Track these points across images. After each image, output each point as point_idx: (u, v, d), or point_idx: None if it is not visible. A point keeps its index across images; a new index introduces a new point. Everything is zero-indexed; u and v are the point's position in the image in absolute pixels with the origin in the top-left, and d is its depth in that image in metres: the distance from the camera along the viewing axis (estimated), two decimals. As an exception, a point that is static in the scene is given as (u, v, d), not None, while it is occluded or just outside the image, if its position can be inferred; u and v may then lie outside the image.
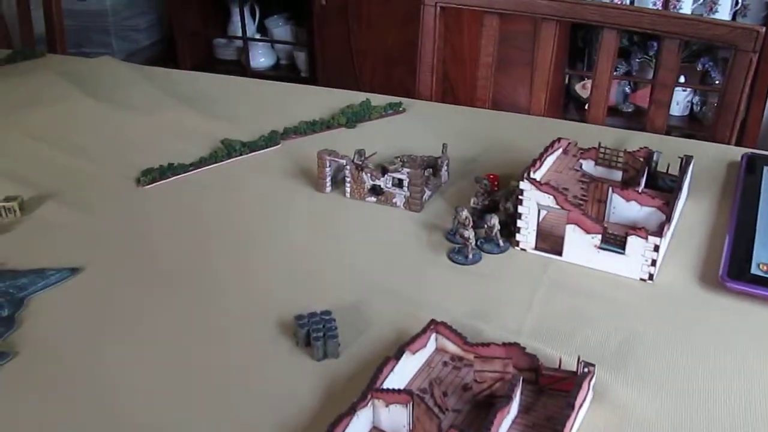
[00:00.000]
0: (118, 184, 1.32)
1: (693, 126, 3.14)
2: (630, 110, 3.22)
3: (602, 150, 1.18)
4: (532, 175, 1.05)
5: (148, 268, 1.08)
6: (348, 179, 1.23)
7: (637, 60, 3.17)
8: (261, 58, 3.69)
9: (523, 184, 1.04)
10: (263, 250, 1.12)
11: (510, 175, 1.23)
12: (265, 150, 1.43)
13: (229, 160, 1.39)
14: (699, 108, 3.16)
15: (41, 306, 1.00)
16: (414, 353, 0.83)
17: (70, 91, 1.69)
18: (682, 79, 3.00)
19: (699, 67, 3.08)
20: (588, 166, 1.19)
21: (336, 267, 1.07)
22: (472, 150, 1.39)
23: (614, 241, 1.01)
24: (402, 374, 0.82)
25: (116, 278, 1.06)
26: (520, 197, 1.05)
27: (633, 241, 0.99)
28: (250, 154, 1.41)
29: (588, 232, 1.02)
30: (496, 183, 1.22)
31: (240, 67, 3.63)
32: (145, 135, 1.51)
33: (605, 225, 1.02)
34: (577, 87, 3.26)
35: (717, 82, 3.02)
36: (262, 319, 0.96)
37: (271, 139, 1.44)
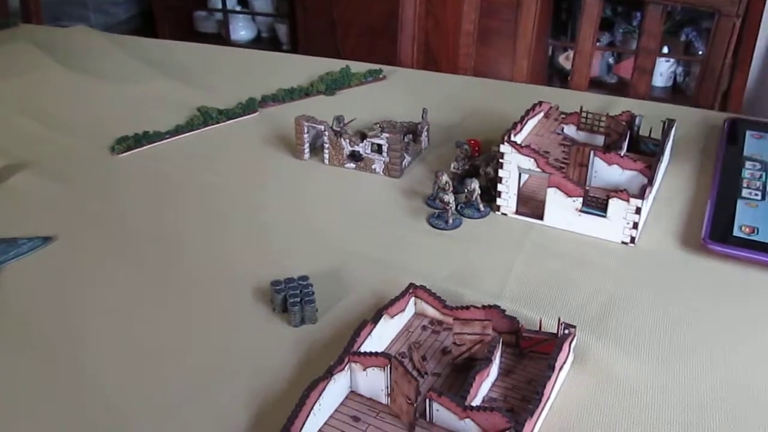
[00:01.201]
0: (93, 153, 1.30)
1: (676, 97, 3.13)
2: (613, 81, 3.21)
3: (584, 114, 1.16)
4: (512, 138, 1.03)
5: (122, 237, 1.06)
6: (326, 145, 1.20)
7: (621, 31, 3.15)
8: (242, 30, 3.64)
9: (504, 147, 1.02)
10: (240, 218, 1.10)
11: (491, 141, 1.21)
12: (243, 118, 1.40)
13: (205, 128, 1.37)
14: (682, 79, 3.15)
15: (13, 275, 0.98)
16: (392, 317, 0.82)
17: (44, 60, 1.65)
18: (665, 50, 2.98)
19: (683, 38, 3.07)
20: (570, 130, 1.17)
21: (314, 234, 1.05)
22: (454, 116, 1.37)
23: (596, 204, 1.00)
24: (380, 338, 0.80)
25: (89, 247, 1.04)
26: (500, 161, 1.03)
27: (614, 204, 0.98)
28: (227, 122, 1.38)
29: (569, 195, 1.01)
30: (477, 148, 1.21)
31: (221, 41, 3.58)
32: (119, 104, 1.48)
33: (587, 188, 1.01)
34: (561, 58, 3.24)
35: (700, 52, 3.01)
36: (238, 286, 0.94)
37: (249, 106, 1.41)
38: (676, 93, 3.16)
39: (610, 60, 3.23)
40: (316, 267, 0.96)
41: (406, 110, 1.33)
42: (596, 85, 3.04)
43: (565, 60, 3.21)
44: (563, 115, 1.19)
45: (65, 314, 0.91)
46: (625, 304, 0.90)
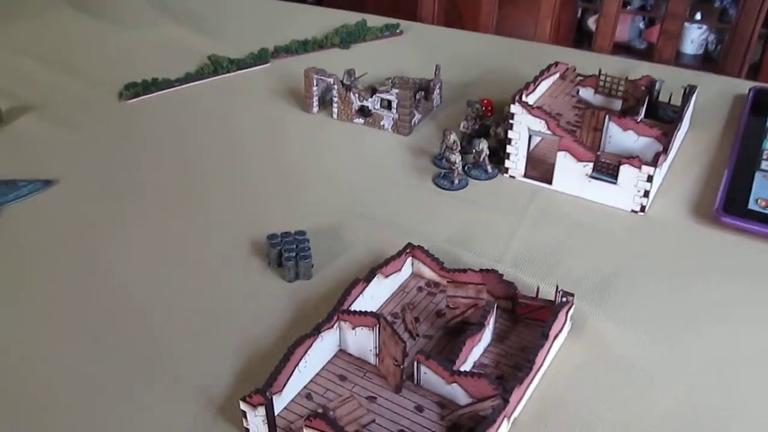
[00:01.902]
0: (100, 99, 1.28)
1: (705, 66, 3.04)
2: (643, 47, 3.13)
3: (603, 77, 1.12)
4: (524, 99, 0.99)
5: (124, 183, 1.05)
6: (335, 99, 1.18)
7: (652, -7, 3.06)
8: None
9: (514, 108, 0.99)
10: (243, 169, 1.08)
11: (505, 102, 1.17)
12: (254, 68, 1.37)
13: (215, 77, 1.34)
14: (714, 47, 3.06)
15: (10, 217, 0.97)
16: (387, 277, 0.80)
17: (55, 2, 1.63)
18: (698, 16, 2.89)
19: (717, 4, 2.97)
20: (587, 93, 1.13)
21: (317, 188, 1.03)
22: (469, 75, 1.34)
23: (606, 170, 0.97)
24: (373, 298, 0.78)
25: (90, 192, 1.03)
26: (510, 121, 1.00)
27: (626, 171, 0.95)
28: (237, 72, 1.36)
29: (579, 160, 0.97)
30: (489, 108, 1.17)
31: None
32: (130, 49, 1.46)
33: (598, 153, 0.98)
34: (590, 21, 3.15)
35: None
36: (235, 238, 0.92)
37: (261, 56, 1.38)
38: (706, 62, 3.07)
39: (641, 25, 3.14)
40: (315, 222, 0.94)
41: (421, 67, 1.29)
42: (624, 49, 2.96)
43: (594, 23, 3.13)
44: (580, 77, 1.15)
45: (60, 258, 0.90)
46: (629, 275, 0.87)
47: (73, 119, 1.21)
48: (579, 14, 3.14)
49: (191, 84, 1.31)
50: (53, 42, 1.48)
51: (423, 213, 0.97)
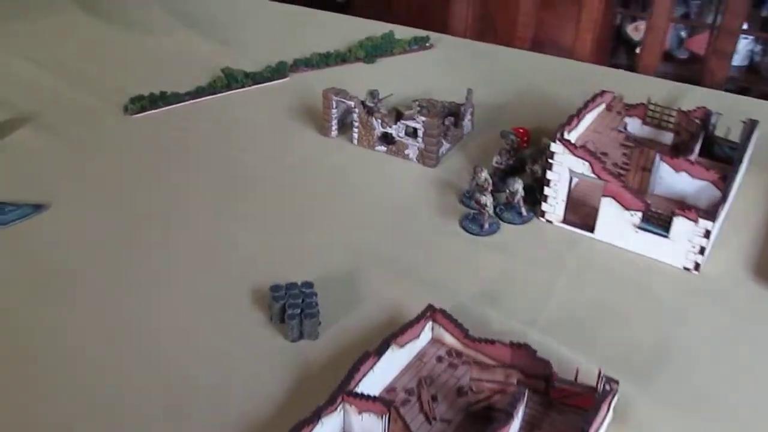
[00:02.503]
0: (104, 111, 1.19)
1: (750, 78, 2.88)
2: (684, 57, 2.98)
3: (651, 107, 1.01)
4: (566, 136, 0.88)
5: (120, 212, 0.95)
6: (356, 124, 1.07)
7: (697, 2, 2.91)
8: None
9: (555, 147, 0.88)
10: (250, 200, 0.98)
11: (542, 130, 1.07)
12: (271, 83, 1.27)
13: (228, 92, 1.24)
14: (760, 58, 2.91)
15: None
16: (403, 346, 0.70)
17: (65, 2, 1.55)
18: (745, 26, 2.74)
19: (764, 13, 2.82)
20: (634, 125, 1.02)
21: (330, 226, 0.93)
22: (503, 96, 1.23)
23: (657, 222, 0.85)
24: (386, 369, 0.68)
25: (83, 220, 0.93)
26: (550, 161, 0.89)
27: (680, 224, 0.83)
28: (252, 86, 1.26)
29: (627, 208, 0.86)
30: (525, 139, 1.06)
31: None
32: (140, 57, 1.37)
33: (648, 201, 0.86)
34: (629, 28, 3.01)
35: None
36: (235, 286, 0.82)
37: (279, 70, 1.28)
38: (751, 73, 2.92)
39: (683, 33, 3.00)
40: (325, 268, 0.84)
41: (452, 85, 1.19)
42: (665, 59, 2.82)
43: (633, 30, 2.98)
44: (627, 108, 1.03)
45: (36, 300, 0.81)
46: (682, 347, 0.76)
47: (73, 133, 1.13)
48: (618, 21, 3.00)
49: (202, 99, 1.22)
50: (59, 45, 1.39)
51: (447, 262, 0.87)
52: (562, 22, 2.53)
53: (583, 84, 1.04)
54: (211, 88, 1.23)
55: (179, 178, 1.02)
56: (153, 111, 1.18)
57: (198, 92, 1.22)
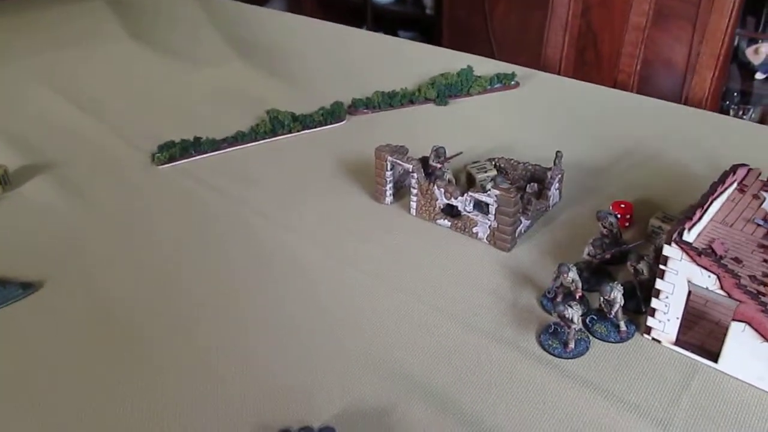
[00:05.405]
0: (128, 159, 1.03)
1: None
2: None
3: (799, 185, 0.77)
4: (684, 236, 0.66)
5: (120, 299, 0.78)
6: (414, 191, 0.87)
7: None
8: (385, -9, 3.31)
9: (670, 250, 0.65)
10: (271, 299, 0.77)
11: (650, 206, 0.84)
12: (323, 128, 1.09)
13: (273, 138, 1.07)
14: None
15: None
16: None
17: (109, 27, 1.41)
18: None
19: None
20: (774, 209, 0.78)
21: (363, 339, 0.72)
22: (602, 156, 1.00)
23: (810, 362, 0.62)
24: None
25: (76, 308, 0.77)
26: (662, 267, 0.67)
27: None
28: (301, 132, 1.08)
29: (766, 338, 0.63)
30: (628, 217, 0.84)
31: (362, 1, 3.27)
32: (179, 92, 1.21)
33: (798, 332, 0.63)
34: (748, 51, 2.70)
35: None
36: (242, 421, 0.63)
37: (333, 113, 1.10)
38: None
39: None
40: (351, 400, 0.64)
41: (538, 136, 0.98)
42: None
43: (753, 54, 2.67)
44: (766, 185, 0.79)
45: (20, 391, 0.64)
46: None
47: (88, 185, 0.98)
48: (735, 42, 2.69)
49: (241, 146, 1.04)
50: (93, 77, 1.25)
51: (516, 397, 0.65)
52: (675, 42, 2.26)
53: (702, 136, 0.82)
54: (253, 134, 1.06)
55: (195, 258, 0.84)
56: (183, 161, 1.01)
57: (237, 139, 1.05)
